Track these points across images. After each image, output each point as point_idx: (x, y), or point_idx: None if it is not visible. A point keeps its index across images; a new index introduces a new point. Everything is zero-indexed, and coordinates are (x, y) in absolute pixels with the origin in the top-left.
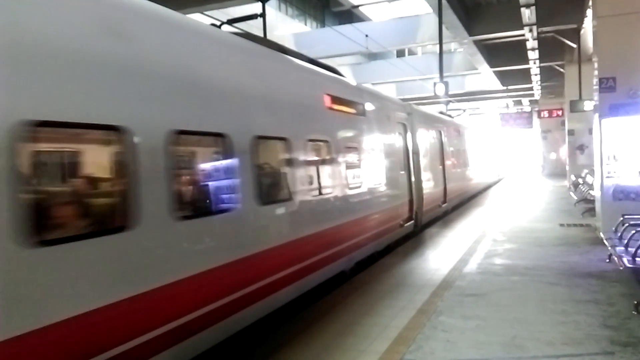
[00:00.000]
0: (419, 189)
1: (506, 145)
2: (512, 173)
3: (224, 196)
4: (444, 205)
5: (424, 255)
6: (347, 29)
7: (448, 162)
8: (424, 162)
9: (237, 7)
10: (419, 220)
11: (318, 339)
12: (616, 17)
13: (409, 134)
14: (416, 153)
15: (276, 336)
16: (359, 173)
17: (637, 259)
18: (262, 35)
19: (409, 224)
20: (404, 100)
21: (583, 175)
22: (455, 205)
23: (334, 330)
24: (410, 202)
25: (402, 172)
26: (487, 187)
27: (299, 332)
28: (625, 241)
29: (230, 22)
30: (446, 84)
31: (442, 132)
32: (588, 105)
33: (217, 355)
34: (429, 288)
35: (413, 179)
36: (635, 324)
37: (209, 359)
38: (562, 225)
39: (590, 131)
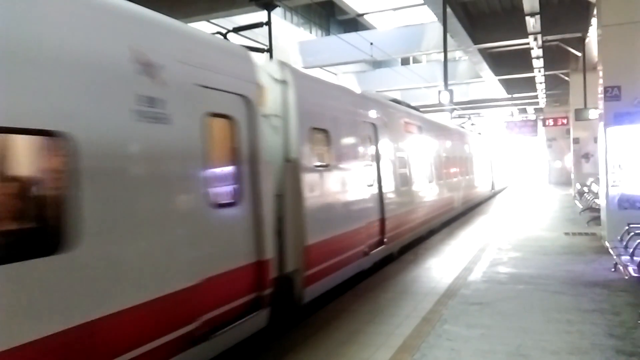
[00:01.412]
0: (299, 232)
1: (507, 152)
2: (516, 182)
3: None
4: (377, 250)
5: (429, 263)
6: (352, 37)
7: (390, 177)
8: (318, 179)
9: (243, 15)
10: (297, 294)
11: (321, 346)
12: (621, 26)
13: (266, 126)
14: (295, 165)
15: (279, 343)
16: None
17: None
18: (267, 44)
19: (247, 319)
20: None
21: (588, 183)
22: (411, 242)
23: (337, 338)
24: (261, 266)
25: (233, 206)
26: (474, 206)
27: (303, 339)
28: (631, 250)
29: (236, 30)
30: (451, 92)
31: (380, 128)
32: (593, 114)
33: None
34: (433, 296)
35: (267, 217)
36: None
37: None
38: (567, 233)
39: (595, 140)
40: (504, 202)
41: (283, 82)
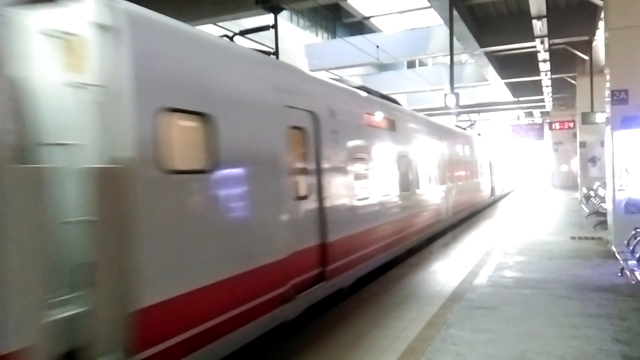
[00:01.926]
0: (124, 286)
1: (511, 155)
2: (522, 187)
3: None
4: (311, 291)
5: (434, 267)
6: (358, 40)
7: (340, 187)
8: (182, 192)
9: (250, 18)
10: None
11: (327, 350)
12: (629, 29)
13: (75, 103)
14: (119, 171)
15: (285, 347)
16: None
17: None
18: (274, 46)
19: None
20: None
21: (595, 187)
22: (379, 268)
23: (343, 341)
24: None
25: None
26: (469, 216)
27: (308, 343)
28: (638, 255)
29: (243, 33)
30: (457, 95)
31: (324, 119)
32: (600, 118)
33: None
34: (438, 300)
35: (18, 268)
36: None
37: None
38: (573, 238)
39: (602, 143)
40: (510, 206)
41: (111, 30)
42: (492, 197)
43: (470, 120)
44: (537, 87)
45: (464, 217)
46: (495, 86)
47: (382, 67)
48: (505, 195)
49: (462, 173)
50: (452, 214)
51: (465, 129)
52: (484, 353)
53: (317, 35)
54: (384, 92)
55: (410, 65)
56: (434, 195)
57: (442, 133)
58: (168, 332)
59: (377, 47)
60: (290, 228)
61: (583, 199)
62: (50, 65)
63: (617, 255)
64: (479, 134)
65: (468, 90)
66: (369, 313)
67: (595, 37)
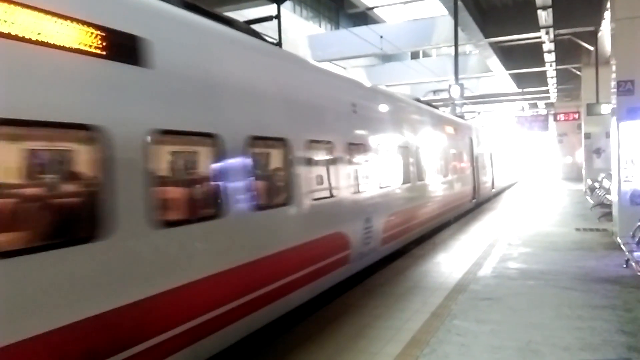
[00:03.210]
0: None
1: (508, 146)
2: (524, 179)
3: None
4: None
5: (438, 258)
6: (361, 30)
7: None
8: None
9: (253, 9)
10: None
11: (331, 341)
12: (635, 19)
13: None
14: None
15: (289, 337)
16: None
17: None
18: (277, 37)
19: None
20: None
21: (599, 179)
22: None
23: (347, 332)
24: None
25: None
26: (433, 231)
27: (312, 333)
28: None
29: (246, 23)
30: (461, 86)
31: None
32: (605, 109)
33: (230, 354)
34: (443, 291)
35: None
36: None
37: (224, 357)
38: (578, 229)
39: (607, 135)
40: (514, 198)
41: None
42: (475, 200)
43: (460, 110)
44: (541, 78)
45: (422, 233)
46: (500, 77)
47: (386, 58)
48: (497, 194)
49: (415, 170)
50: (381, 241)
51: (435, 106)
52: (488, 344)
53: (320, 26)
54: (388, 83)
55: (414, 56)
56: (337, 213)
57: (381, 108)
58: None
59: (381, 37)
60: None
61: (588, 190)
62: None
63: (622, 246)
64: (460, 117)
65: (472, 81)
66: (373, 304)
67: (601, 28)
